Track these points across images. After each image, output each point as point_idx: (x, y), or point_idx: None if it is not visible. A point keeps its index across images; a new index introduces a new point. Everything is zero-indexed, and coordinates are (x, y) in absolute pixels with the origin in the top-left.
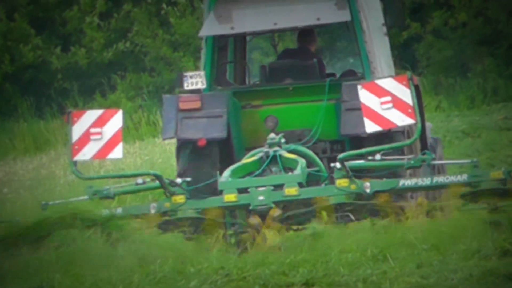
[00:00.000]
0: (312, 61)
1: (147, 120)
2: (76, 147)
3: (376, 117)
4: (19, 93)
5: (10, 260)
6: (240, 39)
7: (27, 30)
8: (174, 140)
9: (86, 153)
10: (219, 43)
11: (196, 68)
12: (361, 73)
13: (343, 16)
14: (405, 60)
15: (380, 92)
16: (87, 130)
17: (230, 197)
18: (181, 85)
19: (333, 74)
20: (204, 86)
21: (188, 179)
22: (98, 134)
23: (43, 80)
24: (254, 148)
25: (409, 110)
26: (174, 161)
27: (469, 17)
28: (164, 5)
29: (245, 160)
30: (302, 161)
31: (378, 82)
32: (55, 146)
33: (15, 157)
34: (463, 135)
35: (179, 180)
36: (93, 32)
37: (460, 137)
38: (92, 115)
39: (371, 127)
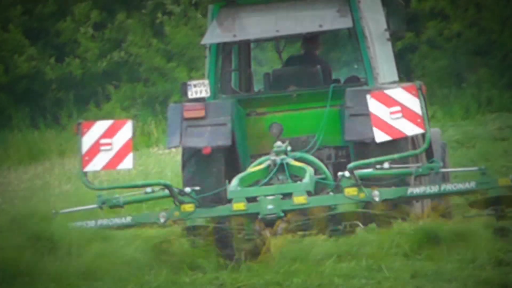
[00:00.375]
0: (316, 67)
1: (142, 130)
2: (87, 158)
3: (385, 127)
4: (13, 103)
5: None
6: (245, 47)
7: (21, 41)
8: (168, 151)
9: (96, 164)
10: (223, 51)
11: (190, 79)
12: (364, 79)
13: (345, 22)
14: (399, 70)
15: (389, 101)
16: (97, 141)
17: (239, 206)
18: (185, 94)
19: (337, 80)
20: (208, 95)
21: (197, 188)
22: (108, 144)
23: (37, 90)
24: (259, 155)
25: (418, 120)
26: (168, 171)
27: (464, 27)
28: (159, 14)
29: (252, 168)
30: (309, 169)
31: (387, 91)
32: (49, 156)
33: (10, 167)
34: (458, 145)
35: (188, 189)
36: (88, 42)
37: (455, 147)
38: (101, 126)
39: (380, 136)
